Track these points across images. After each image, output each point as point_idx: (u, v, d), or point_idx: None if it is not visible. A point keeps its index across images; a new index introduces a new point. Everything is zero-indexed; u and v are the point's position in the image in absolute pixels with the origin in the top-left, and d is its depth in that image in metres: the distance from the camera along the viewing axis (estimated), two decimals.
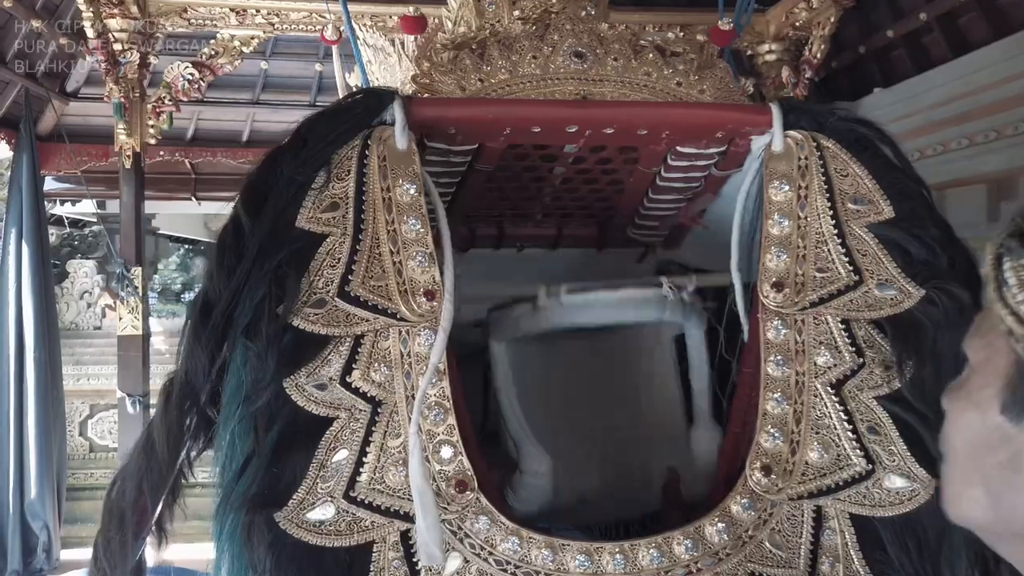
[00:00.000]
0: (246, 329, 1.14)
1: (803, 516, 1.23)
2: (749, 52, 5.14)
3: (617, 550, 1.20)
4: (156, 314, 7.68)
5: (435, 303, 1.20)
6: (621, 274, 1.87)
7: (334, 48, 2.34)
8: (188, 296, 10.76)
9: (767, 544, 1.22)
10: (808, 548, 1.21)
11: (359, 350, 1.18)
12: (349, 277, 1.18)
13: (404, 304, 1.19)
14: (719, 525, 1.21)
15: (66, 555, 5.28)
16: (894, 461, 1.24)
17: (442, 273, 1.22)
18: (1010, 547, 0.62)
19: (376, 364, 1.18)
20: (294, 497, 1.12)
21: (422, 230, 1.23)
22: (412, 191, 1.24)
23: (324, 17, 5.02)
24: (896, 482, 1.23)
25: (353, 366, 1.17)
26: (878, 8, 4.79)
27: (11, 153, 5.58)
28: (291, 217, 1.20)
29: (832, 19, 4.89)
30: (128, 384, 4.96)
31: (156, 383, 5.54)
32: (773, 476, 1.22)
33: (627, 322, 1.61)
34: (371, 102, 1.27)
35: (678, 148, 1.45)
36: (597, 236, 1.88)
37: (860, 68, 5.16)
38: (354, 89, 2.09)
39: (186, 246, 11.35)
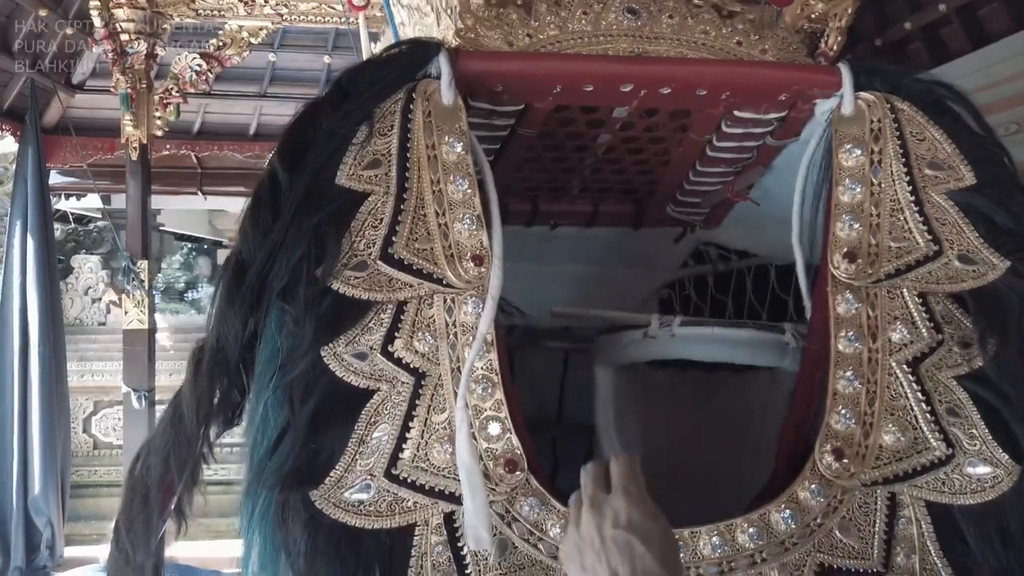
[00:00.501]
0: (282, 292, 1.05)
1: (876, 504, 1.14)
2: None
3: (677, 536, 1.12)
4: (159, 312, 7.61)
5: (483, 269, 1.11)
6: (659, 255, 1.80)
7: (360, 16, 2.25)
8: (191, 295, 10.72)
9: (837, 533, 1.13)
10: (882, 538, 1.12)
11: (402, 317, 1.09)
12: (392, 239, 1.10)
13: (450, 269, 1.10)
14: (786, 512, 1.12)
15: (70, 552, 5.22)
16: (975, 445, 1.15)
17: (490, 237, 1.14)
18: None
19: (420, 333, 1.09)
20: (331, 474, 1.03)
21: (469, 191, 1.14)
22: (459, 149, 1.15)
23: (333, 8, 4.96)
24: (978, 468, 1.14)
25: (395, 335, 1.08)
26: (895, 0, 4.73)
27: (16, 146, 5.52)
28: (331, 174, 1.11)
29: (849, 11, 4.82)
30: (134, 379, 4.89)
31: (161, 380, 5.47)
32: (845, 460, 1.13)
33: (737, 362, 1.53)
34: (416, 54, 1.19)
35: (735, 113, 1.36)
36: (634, 214, 1.79)
37: (877, 61, 5.09)
38: None
39: (189, 244, 11.30)
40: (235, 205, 8.39)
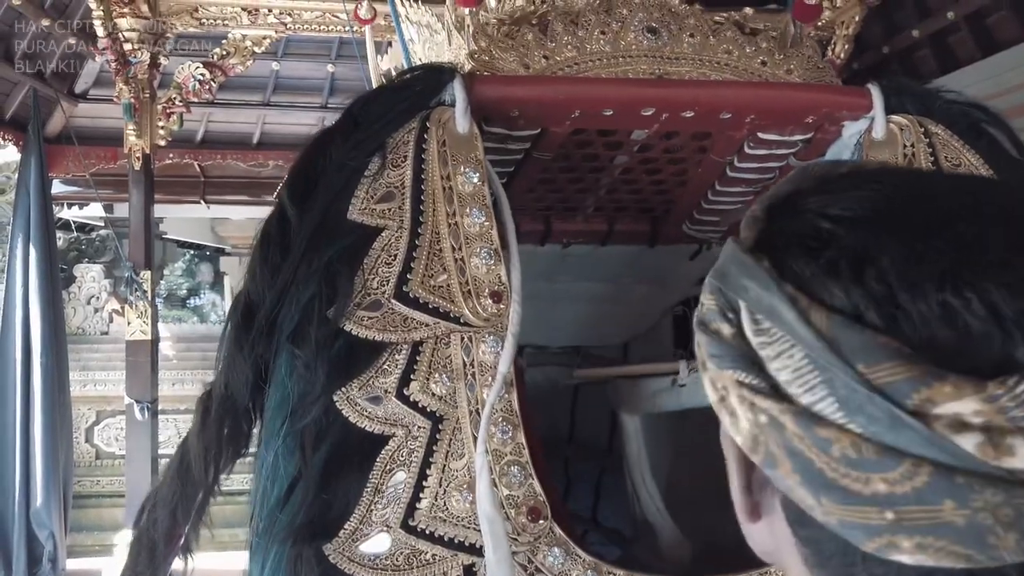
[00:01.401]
0: (292, 335, 1.00)
1: None
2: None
3: None
4: (162, 320, 7.57)
5: (502, 305, 1.06)
6: (673, 272, 1.75)
7: (367, 29, 2.20)
8: (194, 301, 10.66)
9: None
10: None
11: (418, 359, 1.04)
12: (407, 276, 1.05)
13: (468, 307, 1.05)
14: None
15: (72, 564, 5.16)
16: None
17: (508, 272, 1.09)
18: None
19: (436, 375, 1.04)
20: (346, 527, 0.98)
21: (486, 223, 1.09)
22: (475, 179, 1.10)
23: (337, 17, 4.92)
24: None
25: (411, 377, 1.03)
26: (903, 7, 4.67)
27: (19, 155, 5.48)
28: (342, 208, 1.06)
29: (856, 18, 4.77)
30: (136, 390, 4.83)
31: (164, 390, 5.43)
32: None
33: None
34: (429, 80, 1.14)
35: (759, 135, 1.31)
36: (649, 232, 1.74)
37: (884, 69, 5.03)
38: (392, 74, 1.96)
39: (192, 252, 11.25)
40: (238, 213, 8.36)
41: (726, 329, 0.49)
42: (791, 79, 1.31)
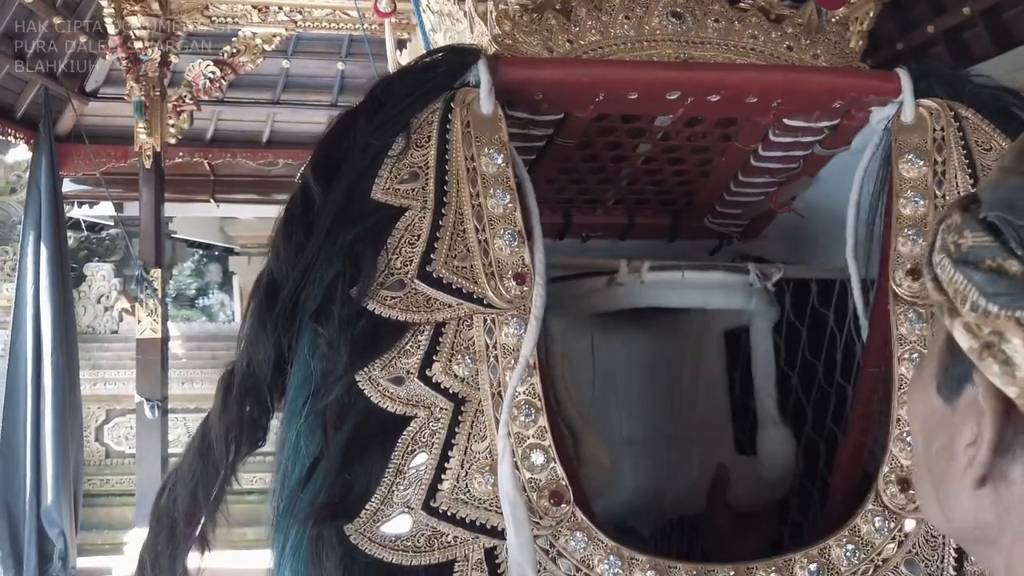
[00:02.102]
0: (315, 313, 1.00)
1: (945, 539, 1.07)
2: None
3: (732, 572, 1.05)
4: (171, 319, 7.58)
5: (525, 287, 1.05)
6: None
7: (387, 22, 2.19)
8: (202, 301, 10.69)
9: (903, 569, 1.06)
10: (951, 575, 1.06)
11: (440, 339, 1.03)
12: (430, 256, 1.04)
13: (491, 288, 1.04)
14: (848, 547, 1.06)
15: (82, 562, 5.19)
16: None
17: (532, 254, 1.08)
18: (979, 555, 0.53)
19: (459, 356, 1.03)
20: (367, 507, 0.97)
21: (510, 205, 1.08)
22: (499, 161, 1.09)
23: (347, 14, 4.92)
24: None
25: (434, 358, 1.02)
26: (918, 3, 4.65)
27: (30, 154, 5.50)
28: (366, 187, 1.06)
29: (870, 14, 4.75)
30: (146, 388, 4.85)
31: (174, 388, 5.43)
32: (911, 492, 1.07)
33: (709, 307, 1.47)
34: (454, 61, 1.13)
35: (785, 121, 1.29)
36: (670, 226, 1.72)
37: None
38: None
39: (201, 252, 11.29)
40: (247, 212, 8.37)
41: (1015, 266, 0.45)
42: (818, 63, 1.30)
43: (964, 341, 0.48)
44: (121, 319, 6.94)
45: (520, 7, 1.29)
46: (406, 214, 1.06)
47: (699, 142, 1.39)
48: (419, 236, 1.05)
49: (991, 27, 4.09)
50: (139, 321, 4.88)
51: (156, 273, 4.91)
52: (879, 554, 1.06)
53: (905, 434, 1.09)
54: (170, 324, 5.61)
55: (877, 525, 1.07)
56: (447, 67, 1.13)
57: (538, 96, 1.19)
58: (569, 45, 1.25)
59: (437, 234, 1.05)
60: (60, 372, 4.98)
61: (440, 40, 1.63)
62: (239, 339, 1.04)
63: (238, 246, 10.28)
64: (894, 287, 1.13)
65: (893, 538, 1.07)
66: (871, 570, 1.05)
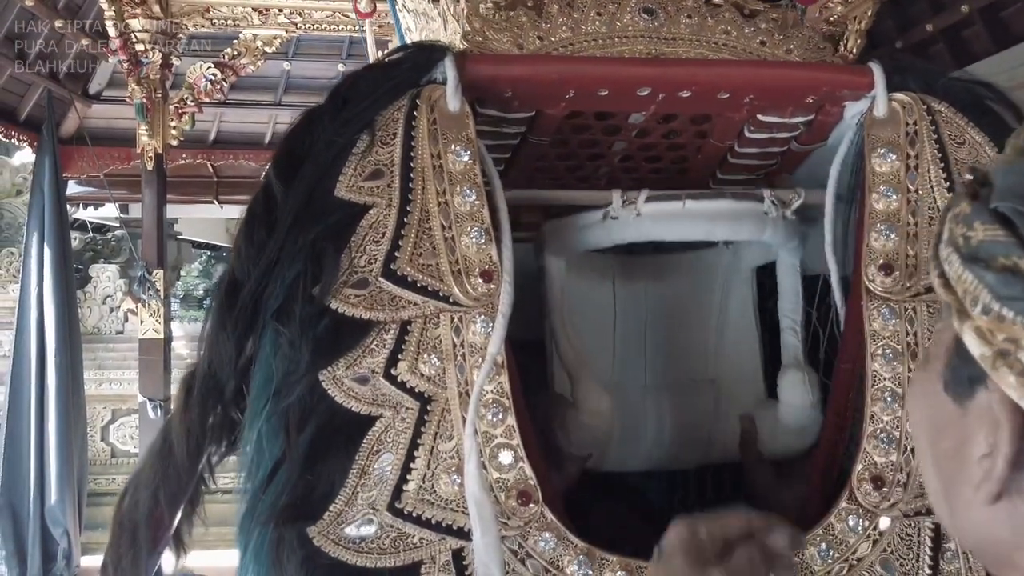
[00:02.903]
0: (277, 312, 0.99)
1: (919, 536, 1.06)
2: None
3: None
4: (179, 320, 7.60)
5: (492, 285, 1.04)
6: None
7: (367, 23, 2.19)
8: (210, 302, 10.73)
9: (878, 568, 1.05)
10: (927, 573, 1.04)
11: (406, 338, 1.02)
12: (395, 254, 1.03)
13: (458, 286, 1.04)
14: (822, 546, 1.05)
15: (86, 561, 5.19)
16: None
17: (500, 251, 1.07)
18: (993, 570, 0.48)
19: (425, 355, 1.02)
20: (331, 509, 0.96)
21: (477, 202, 1.08)
22: (466, 158, 1.09)
23: (347, 16, 4.92)
24: None
25: (399, 357, 1.01)
26: (917, 2, 4.62)
27: (33, 156, 5.52)
28: (330, 185, 1.05)
29: (869, 13, 4.71)
30: (149, 388, 4.87)
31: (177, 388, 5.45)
32: (885, 489, 1.06)
33: (715, 239, 1.40)
34: (420, 58, 1.12)
35: (759, 117, 1.28)
36: None
37: (909, 58, 4.99)
38: None
39: (208, 252, 11.33)
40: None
41: None
42: (791, 58, 1.28)
43: (975, 347, 0.44)
44: (126, 320, 6.96)
45: (493, 4, 1.28)
46: (370, 212, 1.05)
47: (675, 139, 1.38)
48: (384, 234, 1.04)
49: (990, 25, 4.06)
50: (141, 322, 4.90)
51: (158, 274, 4.92)
52: (853, 553, 1.05)
53: (879, 431, 1.08)
54: (175, 324, 5.63)
55: (851, 523, 1.06)
56: (412, 64, 1.12)
57: (508, 93, 1.18)
58: (540, 42, 1.24)
59: (402, 232, 1.04)
60: (64, 372, 4.99)
61: (416, 39, 1.62)
62: (199, 339, 1.04)
63: None
64: (867, 282, 1.12)
65: (867, 536, 1.06)
66: (845, 569, 1.04)
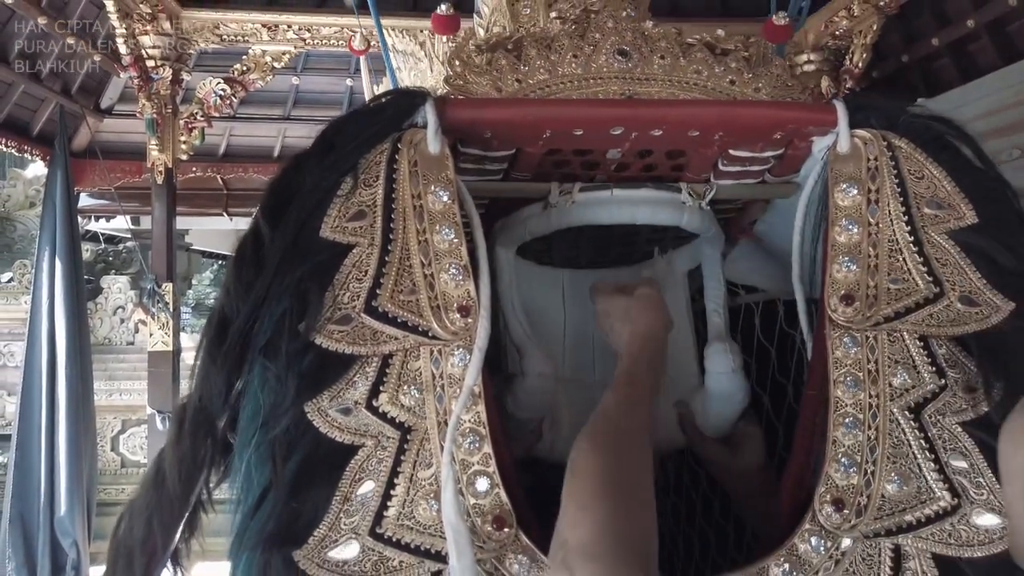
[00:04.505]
0: (264, 348, 1.05)
1: (880, 556, 1.10)
2: (787, 63, 4.98)
3: None
4: (190, 329, 7.69)
5: (470, 320, 1.10)
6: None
7: (362, 59, 2.25)
8: None
9: None
10: None
11: (387, 371, 1.08)
12: (377, 291, 1.09)
13: (436, 321, 1.09)
14: (785, 566, 1.09)
15: (95, 573, 5.25)
16: (982, 495, 1.11)
17: (477, 288, 1.12)
18: None
19: (405, 387, 1.08)
20: (315, 534, 1.01)
21: (455, 240, 1.13)
22: (445, 198, 1.14)
23: (355, 31, 5.00)
24: (985, 518, 1.10)
25: (380, 388, 1.07)
26: (922, 16, 4.64)
27: (46, 169, 5.62)
28: (315, 226, 1.10)
29: (874, 27, 4.75)
30: (158, 400, 4.95)
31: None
32: (846, 511, 1.10)
33: (638, 222, 1.50)
34: (402, 103, 1.18)
35: (730, 152, 1.33)
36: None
37: (903, 78, 5.01)
38: None
39: (220, 262, 11.44)
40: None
41: None
42: (759, 96, 1.33)
43: None
44: (137, 331, 7.06)
45: (474, 47, 1.33)
46: (354, 251, 1.10)
47: (654, 172, 1.43)
48: (366, 272, 1.09)
49: (996, 39, 4.08)
50: (151, 334, 4.97)
51: (168, 287, 5.00)
52: (816, 573, 1.09)
53: (840, 455, 1.13)
54: (186, 335, 5.70)
55: (813, 544, 1.10)
56: (395, 110, 1.18)
57: (487, 134, 1.24)
58: (518, 85, 1.29)
59: (383, 269, 1.10)
60: (74, 384, 5.06)
61: (406, 78, 1.68)
62: (191, 374, 1.09)
63: None
64: (829, 312, 1.17)
65: (830, 556, 1.10)
66: None
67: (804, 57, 5.03)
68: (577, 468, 0.98)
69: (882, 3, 4.42)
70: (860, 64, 5.00)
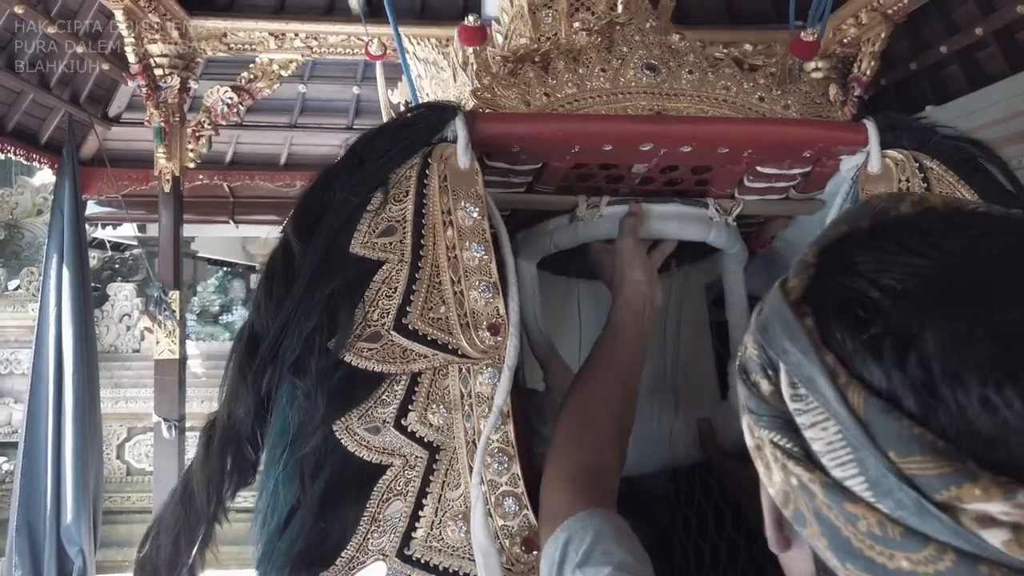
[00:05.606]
0: (293, 365, 1.03)
1: None
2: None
3: None
4: (194, 336, 7.69)
5: (499, 338, 1.08)
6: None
7: (378, 64, 2.24)
8: (226, 318, 10.82)
9: None
10: None
11: (416, 389, 1.06)
12: (407, 308, 1.07)
13: (466, 339, 1.08)
14: None
15: None
16: None
17: (507, 305, 1.11)
18: None
19: (434, 405, 1.07)
20: (343, 555, 1.00)
21: (485, 257, 1.12)
22: (475, 214, 1.13)
23: (362, 40, 5.00)
24: None
25: (409, 407, 1.05)
26: (930, 23, 4.63)
27: (54, 178, 5.62)
28: (345, 242, 1.09)
29: (882, 35, 4.73)
30: (164, 408, 4.93)
31: (192, 407, 5.51)
32: None
33: (666, 237, 1.47)
34: (432, 118, 1.17)
35: (758, 168, 1.32)
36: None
37: (911, 85, 5.00)
38: (401, 108, 2.00)
39: (224, 269, 11.44)
40: (266, 232, 8.47)
41: (765, 386, 0.49)
42: (788, 114, 1.32)
43: (747, 439, 0.52)
44: (143, 338, 7.06)
45: (501, 59, 1.32)
46: (383, 267, 1.09)
47: (677, 187, 1.42)
48: (396, 289, 1.08)
49: (1004, 47, 4.06)
50: (157, 342, 4.96)
51: (174, 295, 4.99)
52: None
53: None
54: (190, 343, 5.69)
55: None
56: (426, 124, 1.17)
57: (516, 148, 1.22)
58: (546, 99, 1.28)
59: (413, 287, 1.08)
60: (80, 392, 5.06)
61: (426, 86, 1.67)
62: (219, 391, 1.08)
63: (259, 264, 10.39)
64: None
65: None
66: None
67: (812, 65, 5.02)
68: (562, 414, 1.12)
69: (890, 11, 4.40)
70: (868, 72, 4.98)
